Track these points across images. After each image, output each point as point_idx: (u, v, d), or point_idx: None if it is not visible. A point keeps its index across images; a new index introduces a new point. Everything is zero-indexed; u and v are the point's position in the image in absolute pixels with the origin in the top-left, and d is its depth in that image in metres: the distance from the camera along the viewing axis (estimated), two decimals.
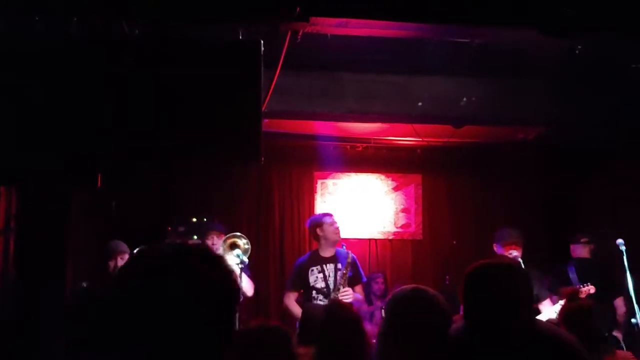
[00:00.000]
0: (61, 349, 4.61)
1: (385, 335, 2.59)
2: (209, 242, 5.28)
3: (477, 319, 2.30)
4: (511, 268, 2.39)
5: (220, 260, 1.39)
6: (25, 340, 4.46)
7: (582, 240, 5.99)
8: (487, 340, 2.27)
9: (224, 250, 5.05)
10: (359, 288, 5.31)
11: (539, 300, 5.21)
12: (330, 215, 5.49)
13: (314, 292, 5.23)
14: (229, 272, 1.40)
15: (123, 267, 1.38)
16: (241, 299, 5.03)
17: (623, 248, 5.08)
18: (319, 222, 5.48)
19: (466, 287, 2.34)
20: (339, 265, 5.27)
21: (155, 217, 6.68)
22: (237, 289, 1.40)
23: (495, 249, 5.49)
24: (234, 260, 5.05)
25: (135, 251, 1.42)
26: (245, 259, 5.00)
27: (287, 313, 5.40)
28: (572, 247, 6.04)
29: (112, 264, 5.10)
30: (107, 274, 5.10)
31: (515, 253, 5.31)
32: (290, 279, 5.58)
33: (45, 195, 4.45)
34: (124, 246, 5.24)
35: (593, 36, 4.22)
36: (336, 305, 3.62)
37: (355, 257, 5.42)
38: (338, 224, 5.42)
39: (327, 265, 5.29)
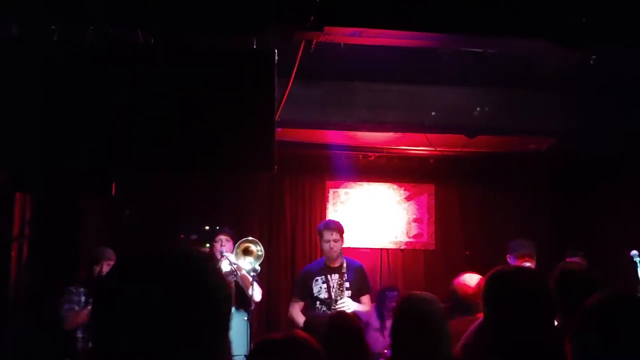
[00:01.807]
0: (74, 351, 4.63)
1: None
2: (217, 246, 5.25)
3: (503, 324, 2.30)
4: (537, 274, 2.43)
5: (214, 266, 1.36)
6: (37, 344, 4.48)
7: (580, 254, 6.03)
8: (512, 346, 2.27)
9: (237, 255, 5.02)
10: (365, 298, 5.24)
11: None
12: (330, 228, 5.27)
13: (317, 302, 5.18)
14: (223, 278, 1.35)
15: (114, 271, 1.32)
16: (252, 306, 5.03)
17: (637, 259, 5.04)
18: (318, 231, 5.38)
19: (493, 290, 2.35)
20: (345, 276, 5.21)
21: (168, 225, 6.70)
22: (229, 296, 1.34)
23: (508, 260, 5.43)
24: (247, 267, 5.03)
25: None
26: (258, 268, 4.98)
27: (292, 323, 5.34)
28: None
29: (97, 269, 4.95)
30: (91, 279, 4.96)
31: (528, 264, 5.26)
32: (295, 287, 5.53)
33: (59, 202, 4.48)
34: (109, 252, 5.14)
35: (607, 47, 4.21)
36: (339, 316, 3.63)
37: (363, 267, 5.37)
38: (335, 240, 5.20)
39: (332, 275, 5.20)
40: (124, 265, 1.31)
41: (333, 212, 7.63)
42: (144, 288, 1.22)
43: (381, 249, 7.71)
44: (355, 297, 5.14)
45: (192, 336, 1.22)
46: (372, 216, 7.70)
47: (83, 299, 4.75)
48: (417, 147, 7.22)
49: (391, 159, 7.60)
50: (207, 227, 6.71)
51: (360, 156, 7.56)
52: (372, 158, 7.57)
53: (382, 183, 7.82)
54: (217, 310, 1.28)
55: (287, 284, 7.46)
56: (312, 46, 4.02)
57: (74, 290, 4.79)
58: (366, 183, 7.81)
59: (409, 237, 7.82)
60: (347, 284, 5.16)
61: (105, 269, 4.79)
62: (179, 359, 1.20)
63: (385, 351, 5.85)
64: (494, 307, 2.33)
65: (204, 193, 7.13)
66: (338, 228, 5.26)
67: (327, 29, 3.78)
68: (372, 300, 5.64)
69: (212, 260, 1.28)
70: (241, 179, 7.25)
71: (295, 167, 7.36)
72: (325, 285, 5.15)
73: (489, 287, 2.37)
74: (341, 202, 7.76)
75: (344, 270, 5.19)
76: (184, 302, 1.22)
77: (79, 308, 4.65)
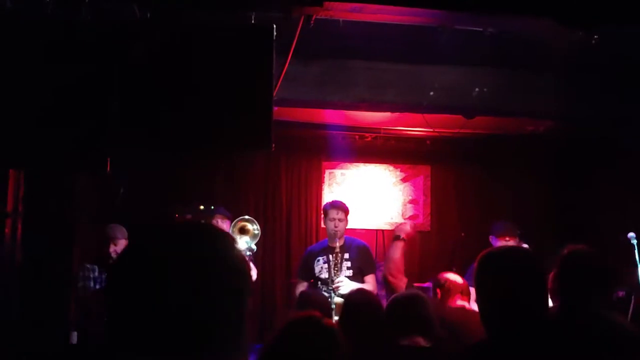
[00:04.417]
0: (65, 333, 4.62)
1: None
2: None
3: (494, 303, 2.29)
4: (528, 253, 2.41)
5: (234, 242, 1.26)
6: (29, 323, 4.45)
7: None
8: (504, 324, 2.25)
9: (233, 233, 5.02)
10: (369, 278, 5.21)
11: None
12: (337, 207, 5.30)
13: (319, 283, 5.17)
14: (243, 256, 1.25)
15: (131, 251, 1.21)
16: None
17: (634, 242, 5.03)
18: (324, 211, 5.43)
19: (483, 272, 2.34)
20: (346, 256, 5.20)
21: (162, 204, 6.65)
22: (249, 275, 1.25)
23: (491, 240, 5.53)
24: (243, 246, 5.01)
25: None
26: (254, 247, 4.97)
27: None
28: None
29: (109, 247, 5.11)
30: (103, 257, 5.12)
31: (511, 243, 5.34)
32: (299, 268, 5.54)
33: (53, 178, 4.43)
34: (121, 231, 5.21)
35: (609, 28, 4.15)
36: (355, 294, 3.63)
37: (367, 246, 5.37)
38: (341, 219, 5.24)
39: (334, 255, 5.20)
40: (140, 247, 1.20)
41: (329, 193, 7.61)
42: (166, 268, 1.12)
43: (376, 230, 7.70)
44: (358, 277, 5.12)
45: (215, 319, 1.13)
46: (368, 197, 7.68)
47: (97, 274, 4.98)
48: (414, 128, 7.18)
49: (388, 140, 7.57)
50: (202, 207, 6.67)
51: (357, 137, 7.52)
52: (369, 139, 7.53)
53: (378, 164, 7.80)
54: (240, 291, 1.19)
55: (282, 264, 7.46)
56: (312, 22, 3.95)
57: (88, 266, 5.01)
58: (362, 164, 7.78)
59: (405, 219, 7.80)
60: (348, 263, 5.15)
61: (119, 247, 4.93)
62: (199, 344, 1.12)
63: None
64: (486, 288, 2.32)
65: (199, 172, 7.08)
66: (344, 208, 5.31)
67: (326, 4, 3.72)
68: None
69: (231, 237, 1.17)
70: (237, 158, 7.20)
71: (291, 147, 7.31)
72: (326, 265, 5.15)
73: (480, 268, 2.36)
74: (337, 183, 7.74)
75: (345, 249, 5.19)
76: (206, 282, 1.13)
77: (93, 284, 4.81)
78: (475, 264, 2.39)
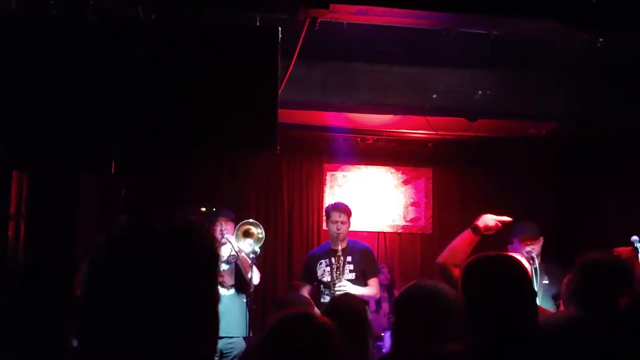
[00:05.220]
0: (67, 332, 4.60)
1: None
2: (217, 228, 5.24)
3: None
4: (512, 261, 2.41)
5: (199, 230, 1.32)
6: (32, 323, 4.44)
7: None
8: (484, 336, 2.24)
9: (237, 237, 5.01)
10: (372, 281, 5.20)
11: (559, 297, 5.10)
12: (339, 209, 5.26)
13: (321, 286, 5.16)
14: (209, 238, 1.31)
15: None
16: (251, 289, 5.01)
17: (638, 245, 4.99)
18: (326, 213, 5.39)
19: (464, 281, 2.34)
20: (349, 258, 5.18)
21: (164, 206, 6.64)
22: (217, 255, 1.32)
23: (514, 244, 5.37)
24: (247, 249, 5.00)
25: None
26: (258, 250, 4.96)
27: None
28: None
29: None
30: None
31: (530, 248, 5.20)
32: (302, 271, 5.52)
33: (56, 180, 4.42)
34: None
35: (615, 29, 4.15)
36: (339, 298, 3.61)
37: (369, 248, 5.35)
38: (343, 222, 5.20)
39: (335, 258, 5.17)
40: (116, 239, 1.27)
41: (330, 195, 7.60)
42: (136, 261, 1.20)
43: (378, 233, 7.70)
44: (361, 280, 5.10)
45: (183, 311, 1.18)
46: (370, 199, 7.67)
47: None
48: (416, 130, 7.18)
49: (389, 142, 7.57)
50: (203, 209, 6.66)
51: (359, 139, 7.52)
52: (370, 141, 7.53)
53: (380, 166, 7.80)
54: (208, 281, 1.25)
55: (283, 267, 7.45)
56: (317, 24, 3.95)
57: None
58: (364, 166, 7.78)
59: (406, 221, 7.80)
60: (350, 266, 5.13)
61: None
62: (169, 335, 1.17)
63: (382, 334, 5.83)
64: (471, 297, 2.31)
65: (200, 174, 7.07)
66: (346, 210, 5.26)
67: (332, 6, 3.72)
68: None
69: (204, 229, 1.24)
70: (239, 160, 7.19)
71: (292, 150, 7.29)
72: (328, 269, 5.12)
73: (464, 277, 2.35)
74: (338, 185, 7.73)
75: (348, 252, 5.17)
76: (176, 274, 1.20)
77: None
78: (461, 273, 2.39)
